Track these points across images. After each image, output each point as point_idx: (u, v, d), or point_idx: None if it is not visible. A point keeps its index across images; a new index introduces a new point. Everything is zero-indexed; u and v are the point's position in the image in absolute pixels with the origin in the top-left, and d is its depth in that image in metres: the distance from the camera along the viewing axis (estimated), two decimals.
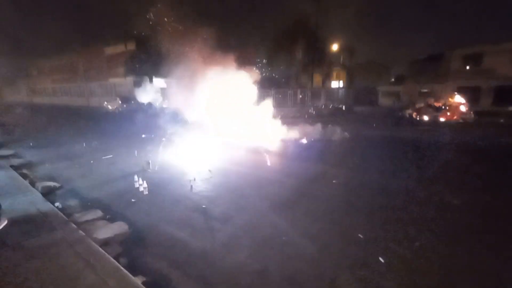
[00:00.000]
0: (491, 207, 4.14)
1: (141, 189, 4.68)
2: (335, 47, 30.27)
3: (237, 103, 10.60)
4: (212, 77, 10.99)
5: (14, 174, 5.43)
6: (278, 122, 10.26)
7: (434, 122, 17.00)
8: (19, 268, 2.50)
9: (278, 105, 21.05)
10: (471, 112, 17.20)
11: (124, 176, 5.42)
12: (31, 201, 4.03)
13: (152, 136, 9.75)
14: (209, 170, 5.60)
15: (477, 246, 3.09)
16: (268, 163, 6.44)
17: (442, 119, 17.38)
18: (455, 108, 17.88)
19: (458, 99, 18.22)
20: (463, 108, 17.66)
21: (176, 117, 11.45)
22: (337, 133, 9.99)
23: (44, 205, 3.89)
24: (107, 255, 2.72)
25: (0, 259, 2.62)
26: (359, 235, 3.25)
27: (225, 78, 10.92)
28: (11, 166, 6.01)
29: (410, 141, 9.61)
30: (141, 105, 21.25)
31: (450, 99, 18.67)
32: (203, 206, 4.08)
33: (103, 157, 7.07)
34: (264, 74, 34.13)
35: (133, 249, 3.04)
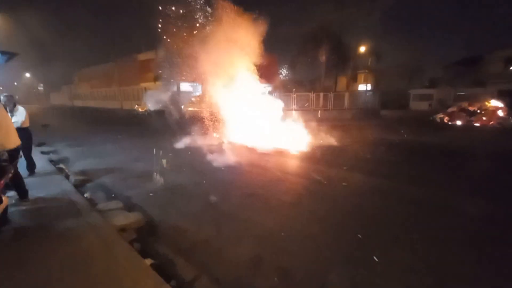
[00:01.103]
0: None
1: (158, 185, 5.07)
2: (361, 49, 29.61)
3: (256, 107, 10.93)
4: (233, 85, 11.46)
5: (52, 168, 6.13)
6: (293, 125, 10.34)
7: (467, 127, 15.91)
8: (49, 243, 2.91)
9: (299, 108, 21.05)
10: (510, 117, 15.85)
11: (145, 173, 5.87)
12: (64, 191, 4.56)
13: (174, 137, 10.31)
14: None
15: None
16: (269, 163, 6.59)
17: (476, 124, 16.24)
18: (491, 112, 16.63)
19: (495, 103, 16.94)
20: (500, 113, 16.37)
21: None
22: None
23: (75, 196, 4.39)
24: (122, 239, 3.07)
25: (35, 235, 3.07)
26: (358, 235, 3.29)
27: (245, 86, 11.32)
28: (50, 161, 6.78)
29: (434, 147, 9.19)
30: (167, 108, 22.31)
31: (486, 103, 17.40)
32: (212, 200, 4.35)
33: (132, 157, 7.67)
34: (286, 77, 34.24)
35: (145, 236, 3.37)
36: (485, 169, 6.36)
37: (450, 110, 18.49)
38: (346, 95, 23.07)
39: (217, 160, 6.96)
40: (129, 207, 4.19)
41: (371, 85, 35.65)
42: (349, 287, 2.46)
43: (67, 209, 3.79)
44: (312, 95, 21.19)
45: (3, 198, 3.12)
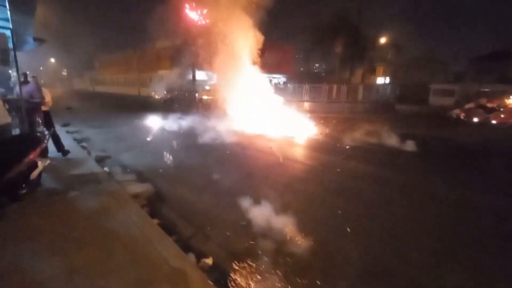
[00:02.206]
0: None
1: (168, 162, 5.64)
2: (380, 41, 28.77)
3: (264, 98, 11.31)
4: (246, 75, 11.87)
5: (76, 145, 6.85)
6: (301, 115, 10.64)
7: (483, 124, 15.49)
8: (74, 201, 3.52)
9: (311, 99, 21.10)
10: None
11: (157, 152, 6.46)
12: (87, 165, 5.21)
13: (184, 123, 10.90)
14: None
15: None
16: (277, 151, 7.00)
17: (494, 122, 15.76)
18: (511, 110, 16.05)
19: None
20: None
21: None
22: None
23: (96, 168, 5.03)
24: (134, 202, 3.64)
25: (64, 196, 3.70)
26: (339, 211, 3.69)
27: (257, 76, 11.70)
28: (74, 140, 7.52)
29: (438, 142, 9.23)
30: (182, 95, 22.96)
31: (506, 100, 16.79)
32: (215, 177, 4.86)
33: (146, 138, 8.34)
34: (302, 69, 33.97)
35: (154, 203, 3.93)
36: (475, 162, 6.49)
37: (467, 106, 17.97)
38: (360, 87, 22.80)
39: (224, 144, 7.46)
40: (142, 179, 4.78)
41: (390, 78, 34.72)
42: (319, 249, 2.90)
43: (89, 178, 4.42)
44: (325, 86, 21.12)
45: (39, 163, 3.74)
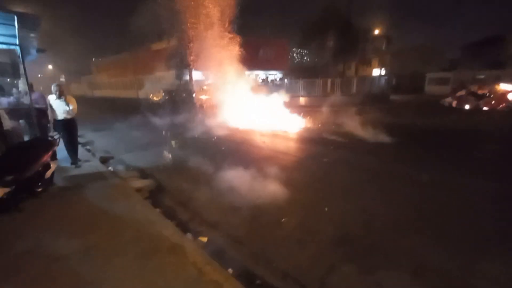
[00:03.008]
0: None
1: (167, 160, 6.10)
2: (372, 32, 29.05)
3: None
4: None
5: (81, 149, 7.30)
6: (294, 110, 11.06)
7: (474, 110, 15.89)
8: (84, 196, 3.98)
9: (307, 94, 21.49)
10: None
11: (157, 151, 6.91)
12: (93, 165, 5.67)
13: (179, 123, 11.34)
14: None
15: None
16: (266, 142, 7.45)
17: (485, 108, 16.16)
18: (501, 96, 16.43)
19: (505, 86, 16.68)
20: (511, 96, 16.15)
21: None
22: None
23: (101, 168, 5.50)
24: (138, 194, 4.10)
25: (74, 191, 4.16)
26: (320, 194, 4.15)
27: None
28: (79, 143, 7.97)
29: (425, 129, 9.66)
30: (180, 96, 23.35)
31: (496, 87, 17.16)
32: (209, 171, 5.31)
33: (145, 138, 8.80)
34: (295, 62, 34.20)
35: (155, 195, 4.39)
36: (452, 147, 6.93)
37: (458, 94, 18.34)
38: (354, 80, 23.14)
39: (219, 141, 7.91)
40: (144, 176, 5.24)
41: (385, 69, 34.97)
42: (296, 224, 3.35)
43: (96, 176, 4.89)
44: (319, 81, 21.49)
45: (52, 164, 4.20)
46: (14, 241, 2.86)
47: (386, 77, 32.18)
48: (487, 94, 17.04)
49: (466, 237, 3.02)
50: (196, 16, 15.01)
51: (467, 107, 16.84)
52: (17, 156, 3.74)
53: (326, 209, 3.71)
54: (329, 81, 21.94)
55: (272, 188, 4.44)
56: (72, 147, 5.50)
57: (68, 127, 5.26)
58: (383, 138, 7.90)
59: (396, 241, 2.95)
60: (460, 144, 7.44)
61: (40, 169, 3.88)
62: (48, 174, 4.12)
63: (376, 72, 35.25)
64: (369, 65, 36.32)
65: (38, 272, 2.39)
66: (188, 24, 15.21)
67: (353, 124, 9.85)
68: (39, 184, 3.94)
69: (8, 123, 4.80)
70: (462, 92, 18.18)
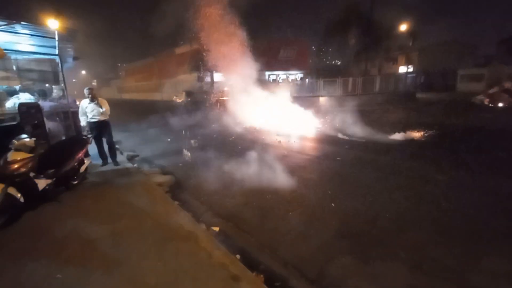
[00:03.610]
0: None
1: (187, 158, 6.51)
2: (396, 29, 27.96)
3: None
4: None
5: None
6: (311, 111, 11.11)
7: (509, 108, 14.86)
8: (113, 189, 4.44)
9: (327, 94, 21.25)
10: None
11: (177, 150, 7.37)
12: (121, 162, 6.21)
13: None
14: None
15: None
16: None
17: None
18: None
19: None
20: None
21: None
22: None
23: (128, 165, 6.01)
24: (159, 188, 4.49)
25: (104, 186, 4.64)
26: (329, 191, 4.28)
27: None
28: None
29: (451, 129, 9.28)
30: (201, 97, 24.18)
31: None
32: (225, 169, 5.61)
33: (168, 138, 9.35)
34: (317, 62, 33.85)
35: (174, 189, 4.77)
36: (476, 147, 6.66)
37: (491, 91, 17.25)
38: (377, 79, 22.49)
39: (236, 140, 8.22)
40: (165, 172, 5.67)
41: (413, 66, 33.50)
42: (302, 219, 3.53)
43: (123, 172, 5.38)
44: (339, 80, 21.16)
45: (85, 161, 4.72)
46: (55, 226, 3.32)
47: (413, 75, 30.86)
48: None
49: (470, 235, 3.02)
50: (217, 21, 15.51)
51: (500, 104, 15.79)
52: (57, 153, 4.27)
53: (332, 204, 3.84)
54: (350, 80, 21.52)
55: (283, 185, 4.64)
56: (110, 148, 5.74)
57: (102, 128, 5.53)
58: (402, 137, 7.76)
59: (399, 237, 3.04)
60: (485, 144, 7.12)
61: (75, 164, 4.40)
62: (82, 169, 4.63)
63: (403, 69, 33.87)
64: (395, 62, 35.01)
65: (74, 252, 2.79)
66: (209, 29, 15.76)
67: (371, 124, 9.73)
68: (75, 178, 4.45)
69: (50, 124, 5.45)
70: (495, 89, 17.08)
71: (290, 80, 36.73)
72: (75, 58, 7.96)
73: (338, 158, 6.15)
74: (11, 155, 3.54)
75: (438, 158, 6.01)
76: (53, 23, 7.57)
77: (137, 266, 2.53)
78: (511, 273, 2.40)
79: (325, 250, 2.85)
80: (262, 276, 2.57)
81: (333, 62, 27.58)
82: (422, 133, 8.55)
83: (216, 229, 3.42)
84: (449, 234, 3.05)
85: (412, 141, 7.65)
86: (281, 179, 4.95)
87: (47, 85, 7.81)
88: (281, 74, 35.78)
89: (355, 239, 3.03)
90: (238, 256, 2.78)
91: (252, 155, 6.75)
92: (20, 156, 3.57)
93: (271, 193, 4.38)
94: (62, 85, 5.61)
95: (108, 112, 5.64)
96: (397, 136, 8.04)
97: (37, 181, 3.72)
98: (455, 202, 3.83)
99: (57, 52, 5.20)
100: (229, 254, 2.67)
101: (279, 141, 8.23)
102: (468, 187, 4.35)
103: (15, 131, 4.08)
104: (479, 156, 6.01)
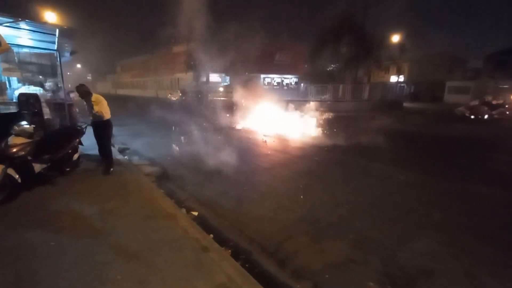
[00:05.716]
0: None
1: (175, 152, 6.92)
2: (387, 40, 28.89)
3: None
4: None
5: None
6: (300, 115, 11.63)
7: (486, 120, 15.71)
8: (103, 177, 4.82)
9: (317, 99, 21.88)
10: None
11: (167, 145, 7.77)
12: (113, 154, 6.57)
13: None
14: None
15: None
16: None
17: (498, 117, 15.94)
18: None
19: None
20: None
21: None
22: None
23: (119, 156, 6.39)
24: (147, 178, 4.90)
25: (96, 173, 5.02)
26: (300, 185, 4.76)
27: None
28: None
29: (424, 136, 9.92)
30: (195, 96, 24.52)
31: (511, 97, 16.88)
32: (211, 163, 6.04)
33: (159, 133, 9.73)
34: (311, 69, 34.53)
35: (161, 179, 5.18)
36: (447, 152, 7.24)
37: (472, 103, 18.13)
38: (367, 86, 23.27)
39: (226, 139, 8.66)
40: (153, 164, 6.07)
41: (404, 76, 34.60)
42: (272, 207, 3.99)
43: (114, 163, 5.75)
44: (330, 86, 21.86)
45: (78, 149, 5.10)
46: (48, 203, 3.71)
47: (402, 85, 31.76)
48: (502, 104, 16.81)
49: (410, 223, 3.54)
50: (213, 21, 15.93)
51: (480, 116, 16.66)
52: (52, 140, 4.63)
53: (301, 196, 4.33)
54: (340, 86, 22.23)
55: (260, 179, 5.11)
56: (102, 152, 5.11)
57: (98, 129, 4.95)
58: (380, 142, 8.33)
59: (350, 222, 3.53)
60: (450, 150, 7.74)
61: (69, 151, 4.78)
62: (75, 157, 5.01)
63: (394, 79, 34.86)
64: (386, 72, 36.01)
65: (66, 224, 3.19)
66: (206, 29, 16.19)
67: (354, 129, 10.31)
68: (68, 164, 4.83)
69: (47, 114, 5.79)
70: (476, 102, 17.97)
71: (284, 84, 37.34)
72: (72, 53, 8.28)
73: (315, 158, 6.66)
74: (12, 140, 3.91)
75: (406, 160, 6.59)
76: (51, 16, 7.94)
77: (122, 236, 2.95)
78: (432, 252, 2.91)
79: (286, 231, 3.32)
80: (229, 250, 3.01)
81: (327, 69, 28.16)
82: (398, 139, 9.16)
83: (195, 213, 3.85)
84: (394, 222, 3.56)
85: (387, 146, 8.23)
86: (260, 174, 5.42)
87: (40, 77, 8.11)
88: (276, 78, 36.33)
89: (314, 224, 3.51)
90: (211, 235, 3.22)
91: (237, 152, 7.21)
92: (19, 140, 3.95)
93: (248, 185, 4.85)
94: (60, 78, 5.97)
95: (103, 114, 4.82)
96: (375, 141, 8.62)
97: (33, 164, 4.09)
98: (406, 197, 4.37)
99: (56, 47, 5.56)
100: (203, 232, 3.11)
101: (265, 141, 8.71)
102: (423, 186, 4.90)
103: (16, 118, 4.45)
104: (438, 161, 6.61)
